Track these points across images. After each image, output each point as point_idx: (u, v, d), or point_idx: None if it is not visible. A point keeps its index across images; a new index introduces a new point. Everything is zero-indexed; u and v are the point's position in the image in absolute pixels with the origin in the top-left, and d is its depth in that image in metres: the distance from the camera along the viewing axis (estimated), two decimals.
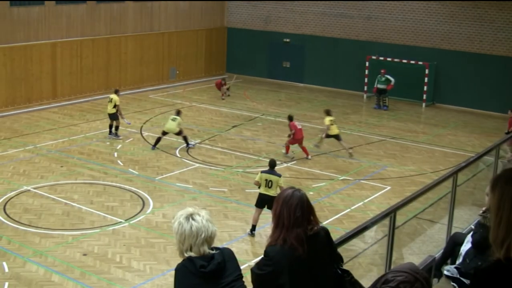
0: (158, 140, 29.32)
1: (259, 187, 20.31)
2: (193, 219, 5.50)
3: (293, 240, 5.79)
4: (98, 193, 23.68)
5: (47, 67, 36.56)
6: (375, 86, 39.00)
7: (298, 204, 5.89)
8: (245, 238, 20.37)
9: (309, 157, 28.66)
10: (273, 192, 19.64)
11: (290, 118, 28.99)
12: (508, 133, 29.89)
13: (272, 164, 20.60)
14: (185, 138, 29.46)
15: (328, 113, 29.60)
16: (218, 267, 5.45)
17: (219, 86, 40.83)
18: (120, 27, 40.76)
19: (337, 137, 29.29)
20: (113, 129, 30.81)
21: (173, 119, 29.35)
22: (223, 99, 39.86)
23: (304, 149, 28.71)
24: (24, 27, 35.51)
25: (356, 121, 35.83)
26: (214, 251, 5.53)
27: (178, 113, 29.97)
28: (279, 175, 20.21)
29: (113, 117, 30.57)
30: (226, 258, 5.54)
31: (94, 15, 39.08)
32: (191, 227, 5.46)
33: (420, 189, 10.21)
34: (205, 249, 5.48)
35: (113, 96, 30.39)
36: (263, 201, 20.02)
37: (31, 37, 35.94)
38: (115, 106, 30.25)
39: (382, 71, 38.74)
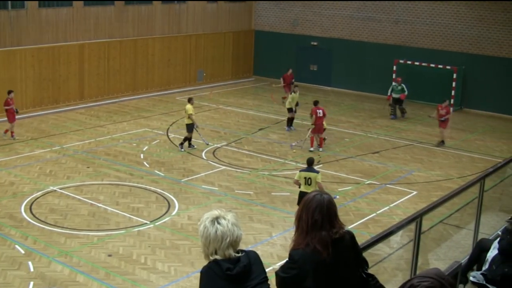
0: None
1: (299, 186, 20.42)
2: (218, 222, 5.46)
3: (316, 243, 5.74)
4: (124, 194, 23.75)
5: (74, 68, 36.75)
6: (389, 94, 37.54)
7: (317, 208, 5.83)
8: (270, 241, 20.34)
9: (320, 149, 30.09)
10: (312, 189, 19.46)
11: (315, 103, 30.39)
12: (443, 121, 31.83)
13: (310, 162, 20.76)
14: (290, 120, 33.76)
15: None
16: (244, 270, 5.40)
17: (288, 80, 39.50)
18: (148, 29, 40.89)
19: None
20: (186, 140, 29.50)
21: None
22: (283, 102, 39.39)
23: (320, 140, 30.31)
24: (52, 28, 35.73)
25: (383, 125, 35.69)
26: (240, 254, 5.49)
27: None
28: (317, 172, 20.56)
29: (188, 128, 29.18)
30: (252, 261, 5.50)
31: (122, 17, 39.25)
32: (216, 231, 5.42)
33: (446, 194, 10.13)
34: (230, 253, 5.44)
35: (186, 106, 29.29)
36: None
37: (59, 38, 36.15)
38: (189, 116, 28.92)
39: (398, 79, 37.82)
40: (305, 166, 20.92)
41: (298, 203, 19.90)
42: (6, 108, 29.94)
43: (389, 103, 37.67)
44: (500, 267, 9.51)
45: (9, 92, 30.39)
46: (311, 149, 29.84)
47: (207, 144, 30.03)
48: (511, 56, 38.21)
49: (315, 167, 25.94)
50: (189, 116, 28.89)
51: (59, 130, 31.83)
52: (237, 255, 5.45)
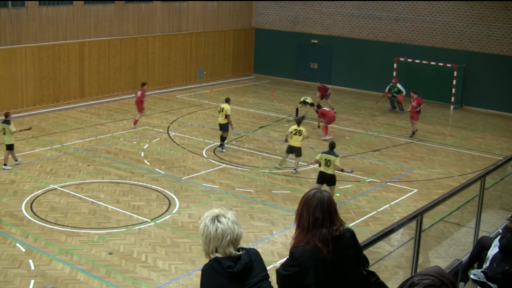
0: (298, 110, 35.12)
1: (319, 165, 22.38)
2: (218, 221, 5.47)
3: (317, 241, 5.76)
4: (125, 193, 23.74)
5: (75, 67, 36.75)
6: (386, 91, 38.29)
7: (317, 206, 5.85)
8: (271, 239, 20.34)
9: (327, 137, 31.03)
10: (330, 170, 21.99)
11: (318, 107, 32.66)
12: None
13: (332, 145, 22.46)
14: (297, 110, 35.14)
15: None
16: (245, 267, 5.41)
17: (324, 91, 37.54)
18: (148, 27, 40.89)
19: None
20: (221, 140, 29.62)
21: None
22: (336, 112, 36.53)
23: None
24: (52, 26, 35.72)
25: (383, 123, 35.68)
26: (240, 252, 5.49)
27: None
28: (337, 155, 22.23)
29: (224, 127, 29.27)
30: (253, 259, 5.50)
31: (122, 15, 39.24)
32: (216, 229, 5.43)
33: (447, 192, 10.13)
34: (231, 251, 5.45)
35: (224, 105, 29.23)
36: (322, 178, 22.33)
37: (60, 36, 36.14)
38: (226, 116, 28.97)
39: (394, 80, 38.41)
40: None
41: (318, 182, 22.00)
42: (143, 100, 32.57)
43: (379, 100, 38.64)
44: (500, 265, 9.50)
45: (143, 84, 33.18)
46: (326, 138, 31.05)
47: (238, 135, 31.08)
48: (511, 54, 38.19)
49: (317, 164, 26.17)
50: (227, 116, 28.94)
51: (60, 128, 31.82)
52: (237, 253, 5.46)
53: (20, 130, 27.21)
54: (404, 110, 37.41)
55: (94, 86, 37.89)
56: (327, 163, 21.91)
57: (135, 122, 32.60)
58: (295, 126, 26.39)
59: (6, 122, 25.93)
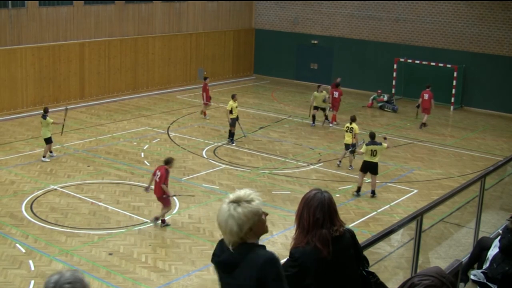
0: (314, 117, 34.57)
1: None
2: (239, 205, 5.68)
3: (317, 241, 5.75)
4: (125, 193, 23.73)
5: (75, 67, 36.74)
6: (370, 101, 40.32)
7: (318, 206, 5.85)
8: (271, 240, 20.32)
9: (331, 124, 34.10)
10: (376, 159, 23.84)
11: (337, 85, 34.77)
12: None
13: (373, 135, 24.21)
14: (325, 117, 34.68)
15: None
16: (224, 262, 5.46)
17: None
18: (148, 27, 40.89)
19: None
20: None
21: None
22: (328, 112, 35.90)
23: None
24: (52, 27, 35.73)
25: (383, 123, 35.68)
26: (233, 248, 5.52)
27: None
28: (380, 143, 24.00)
29: (231, 123, 30.32)
30: (242, 262, 5.53)
31: (122, 15, 39.24)
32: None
33: (447, 193, 10.12)
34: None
35: (229, 102, 30.42)
36: (367, 167, 24.05)
37: (60, 37, 36.14)
38: (231, 111, 30.06)
39: (379, 91, 40.01)
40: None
41: (361, 170, 23.65)
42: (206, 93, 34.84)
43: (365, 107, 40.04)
44: (501, 266, 9.50)
45: (205, 78, 35.62)
46: (331, 125, 34.10)
47: (245, 136, 31.48)
48: (511, 54, 38.19)
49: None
50: (229, 111, 30.10)
51: (60, 129, 31.77)
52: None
53: (64, 119, 29.04)
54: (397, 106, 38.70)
55: (94, 86, 37.90)
56: (373, 153, 23.72)
57: (205, 113, 35.25)
58: (347, 124, 27.47)
59: (43, 117, 27.39)
